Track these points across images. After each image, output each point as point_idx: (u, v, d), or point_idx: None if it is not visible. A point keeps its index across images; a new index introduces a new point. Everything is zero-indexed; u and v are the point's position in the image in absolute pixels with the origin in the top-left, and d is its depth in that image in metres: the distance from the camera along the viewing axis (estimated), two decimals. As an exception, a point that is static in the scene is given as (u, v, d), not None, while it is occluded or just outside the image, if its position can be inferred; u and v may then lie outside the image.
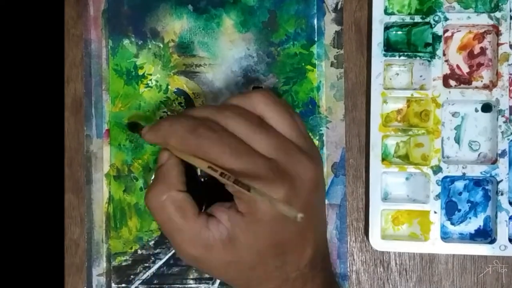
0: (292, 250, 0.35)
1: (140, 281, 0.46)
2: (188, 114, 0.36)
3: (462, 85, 0.45)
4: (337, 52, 0.46)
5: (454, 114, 0.45)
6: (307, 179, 0.34)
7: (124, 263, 0.46)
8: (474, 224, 0.45)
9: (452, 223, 0.45)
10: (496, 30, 0.44)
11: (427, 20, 0.44)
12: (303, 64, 0.46)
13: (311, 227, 0.35)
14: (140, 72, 0.46)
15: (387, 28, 0.45)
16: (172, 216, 0.34)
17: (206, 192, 0.46)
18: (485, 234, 0.45)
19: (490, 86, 0.45)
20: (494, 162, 0.44)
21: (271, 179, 0.32)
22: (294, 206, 0.32)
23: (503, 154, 0.44)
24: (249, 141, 0.34)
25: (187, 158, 0.35)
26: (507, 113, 0.44)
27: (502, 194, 0.43)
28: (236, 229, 0.34)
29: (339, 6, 0.46)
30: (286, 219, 0.32)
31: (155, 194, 0.35)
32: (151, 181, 0.35)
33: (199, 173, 0.46)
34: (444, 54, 0.45)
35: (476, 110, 0.45)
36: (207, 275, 0.46)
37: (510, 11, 0.43)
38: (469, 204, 0.45)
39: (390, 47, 0.45)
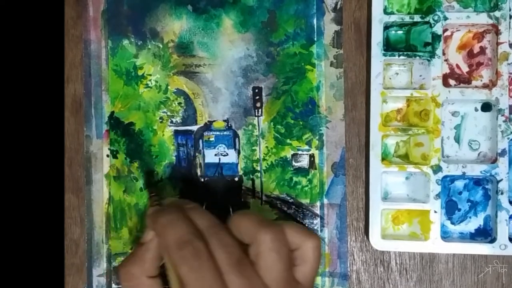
0: None
1: (141, 281, 0.46)
2: (188, 215, 0.36)
3: (461, 85, 0.45)
4: (336, 52, 0.46)
5: (453, 114, 0.45)
6: None
7: (124, 264, 0.46)
8: (474, 223, 0.45)
9: (452, 223, 0.45)
10: (495, 29, 0.44)
11: (426, 19, 0.44)
12: (302, 64, 0.46)
13: None
14: (140, 73, 0.46)
15: (386, 27, 0.45)
16: None
17: (206, 193, 0.46)
18: (485, 234, 0.45)
19: (489, 85, 0.45)
20: (494, 161, 0.44)
21: None
22: None
23: (503, 153, 0.44)
24: (224, 275, 0.34)
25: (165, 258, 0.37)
26: (506, 112, 0.44)
27: (502, 193, 0.43)
28: None
29: (338, 6, 0.46)
30: None
31: (128, 272, 0.37)
32: (129, 254, 0.38)
33: (199, 173, 0.46)
34: (443, 54, 0.45)
35: (476, 110, 0.45)
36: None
37: (510, 10, 0.43)
38: (469, 203, 0.45)
39: (389, 47, 0.45)
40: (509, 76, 0.44)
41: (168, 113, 0.46)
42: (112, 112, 0.46)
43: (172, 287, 0.36)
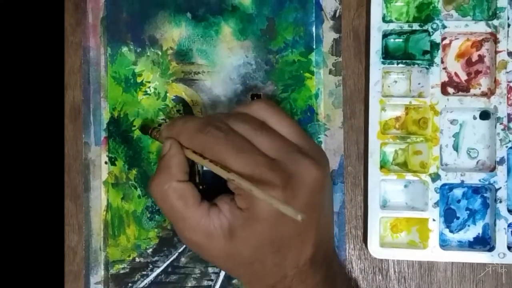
0: (291, 248, 0.35)
1: (138, 289, 0.46)
2: (201, 117, 0.38)
3: (460, 93, 0.45)
4: (335, 60, 0.46)
5: (452, 122, 0.45)
6: (309, 179, 0.35)
7: (122, 271, 0.46)
8: (472, 231, 0.45)
9: (451, 231, 0.45)
10: (494, 38, 0.44)
11: (425, 27, 0.44)
12: (301, 71, 0.46)
13: (312, 227, 0.36)
14: (139, 80, 0.47)
15: (385, 35, 0.45)
16: (174, 205, 0.36)
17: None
18: (484, 242, 0.45)
19: (488, 94, 0.45)
20: (493, 169, 0.44)
21: (270, 178, 0.34)
22: (292, 206, 0.33)
23: (501, 161, 0.44)
24: (253, 142, 0.35)
25: (191, 156, 0.36)
26: (505, 121, 0.44)
27: (500, 202, 0.43)
28: (236, 222, 0.35)
29: (337, 14, 0.46)
30: (284, 218, 0.33)
31: (157, 183, 0.36)
32: (155, 170, 0.37)
33: (197, 180, 0.46)
34: (442, 62, 0.45)
35: (474, 118, 0.45)
36: (205, 283, 0.46)
37: (508, 19, 0.44)
38: (468, 211, 0.45)
39: (388, 55, 0.46)
40: (508, 85, 0.44)
41: (167, 120, 0.46)
42: (111, 119, 0.46)
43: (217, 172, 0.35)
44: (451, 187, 0.45)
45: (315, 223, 0.36)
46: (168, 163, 0.36)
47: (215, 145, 0.34)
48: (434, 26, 0.44)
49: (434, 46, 0.44)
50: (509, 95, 0.44)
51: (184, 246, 0.46)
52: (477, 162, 0.45)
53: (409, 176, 0.44)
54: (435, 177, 0.44)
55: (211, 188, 0.45)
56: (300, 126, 0.38)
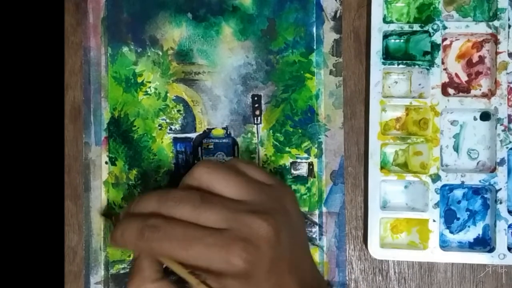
0: None
1: (138, 289, 0.46)
2: (134, 213, 0.36)
3: (460, 94, 0.45)
4: (336, 60, 0.46)
5: (452, 123, 0.45)
6: (264, 236, 0.34)
7: (122, 271, 0.46)
8: (473, 232, 0.45)
9: (451, 232, 0.45)
10: (494, 39, 0.44)
11: (425, 28, 0.44)
12: (302, 72, 0.46)
13: (285, 274, 0.35)
14: (139, 80, 0.47)
15: (385, 36, 0.45)
16: None
17: None
18: (484, 243, 0.45)
19: (488, 95, 0.45)
20: (493, 170, 0.44)
21: (226, 251, 0.33)
22: (261, 267, 0.33)
23: (502, 162, 0.44)
24: (198, 222, 0.34)
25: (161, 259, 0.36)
26: (505, 122, 0.44)
27: (501, 203, 0.43)
28: None
29: (338, 15, 0.46)
30: (258, 283, 0.33)
31: (132, 287, 0.36)
32: (130, 272, 0.37)
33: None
34: (442, 63, 0.45)
35: (475, 119, 0.45)
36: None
37: (509, 20, 0.44)
38: (468, 212, 0.45)
39: (389, 55, 0.46)
40: (508, 86, 0.44)
41: (167, 120, 0.46)
42: (111, 119, 0.46)
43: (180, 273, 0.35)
44: (452, 188, 0.45)
45: (286, 271, 0.35)
46: (140, 266, 0.36)
47: (160, 249, 0.34)
48: (435, 27, 0.44)
49: (435, 47, 0.44)
50: (509, 96, 0.44)
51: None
52: (478, 163, 0.45)
53: (409, 177, 0.44)
54: (436, 178, 0.44)
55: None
56: (247, 178, 0.37)
